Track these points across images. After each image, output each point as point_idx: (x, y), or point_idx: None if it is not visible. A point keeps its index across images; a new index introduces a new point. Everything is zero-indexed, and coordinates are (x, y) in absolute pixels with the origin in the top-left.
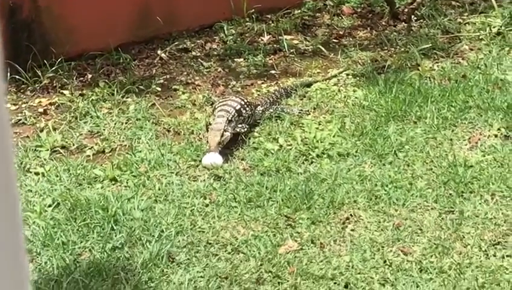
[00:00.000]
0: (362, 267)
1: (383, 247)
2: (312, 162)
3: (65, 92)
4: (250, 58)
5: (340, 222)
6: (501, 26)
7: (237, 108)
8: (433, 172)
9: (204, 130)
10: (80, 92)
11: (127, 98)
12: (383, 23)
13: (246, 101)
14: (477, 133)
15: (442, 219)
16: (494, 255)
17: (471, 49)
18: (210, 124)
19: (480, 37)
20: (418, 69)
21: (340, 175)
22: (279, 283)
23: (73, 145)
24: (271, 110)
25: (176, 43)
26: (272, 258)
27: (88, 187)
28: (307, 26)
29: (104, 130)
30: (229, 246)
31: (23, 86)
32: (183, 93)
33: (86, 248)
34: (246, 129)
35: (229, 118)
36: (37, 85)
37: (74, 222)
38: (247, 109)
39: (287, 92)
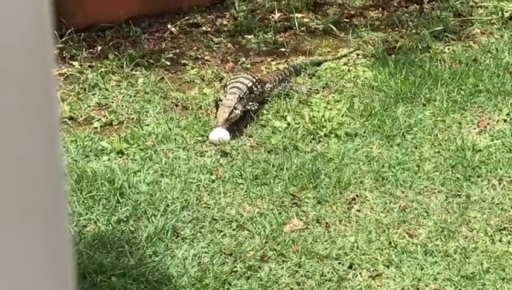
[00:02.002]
0: (367, 248)
1: (388, 228)
2: (319, 141)
3: (74, 63)
4: (261, 35)
5: (346, 202)
6: None
7: (249, 85)
8: (441, 155)
9: (212, 105)
10: (89, 63)
11: (136, 71)
12: (395, 4)
13: (256, 78)
14: (486, 117)
15: (448, 202)
16: (500, 241)
17: (483, 33)
18: (220, 100)
19: (492, 21)
20: (429, 52)
21: (347, 155)
22: (283, 261)
23: (81, 116)
24: (280, 88)
25: (187, 17)
26: (276, 236)
27: (95, 159)
28: (318, 5)
29: (112, 102)
30: (234, 222)
31: None
32: (192, 68)
33: (91, 220)
34: (256, 107)
35: (241, 96)
36: None
37: (80, 194)
38: (258, 86)
39: (296, 70)
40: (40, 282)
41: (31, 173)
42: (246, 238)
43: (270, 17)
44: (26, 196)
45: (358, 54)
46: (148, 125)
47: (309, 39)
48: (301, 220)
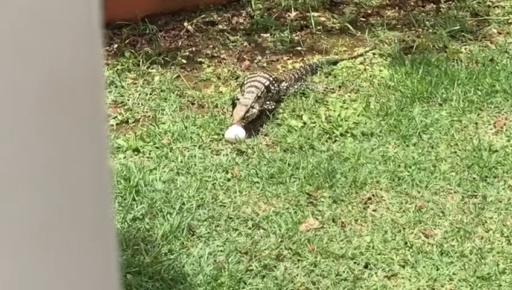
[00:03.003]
0: (383, 248)
1: (404, 228)
2: (335, 141)
3: None
4: (277, 33)
5: (362, 202)
6: None
7: (266, 84)
8: (457, 155)
9: (228, 104)
10: (106, 61)
11: (152, 69)
12: (412, 3)
13: (273, 77)
14: (503, 117)
15: (464, 202)
16: None
17: (500, 33)
18: (237, 98)
19: (509, 21)
20: (446, 51)
21: (363, 155)
22: (298, 260)
23: None
24: (296, 87)
25: (203, 15)
26: (292, 235)
27: (111, 157)
28: (334, 4)
29: (128, 100)
30: (250, 221)
31: None
32: (208, 66)
33: None
34: (273, 106)
35: (259, 94)
36: None
37: None
38: (275, 85)
39: (312, 69)
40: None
41: (81, 174)
42: (261, 237)
43: (287, 15)
44: (75, 198)
45: (374, 53)
46: (164, 123)
47: (325, 38)
48: (317, 219)
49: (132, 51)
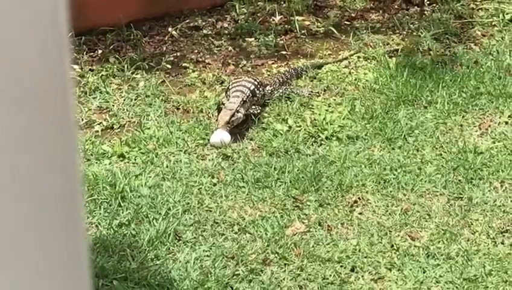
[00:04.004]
0: (369, 251)
1: (390, 231)
2: (321, 144)
3: (75, 66)
4: (261, 38)
5: (348, 205)
6: None
7: (251, 88)
8: (443, 158)
9: (213, 108)
10: (90, 67)
11: (137, 74)
12: (396, 6)
13: (258, 81)
14: (488, 119)
15: (450, 205)
16: (502, 243)
17: (484, 35)
18: (223, 103)
19: (493, 23)
20: (430, 54)
21: (349, 158)
22: (285, 264)
23: (82, 120)
24: (281, 91)
25: (187, 20)
26: (278, 239)
27: (96, 163)
28: (318, 8)
29: (113, 106)
30: (236, 226)
31: None
32: (193, 71)
33: (93, 224)
34: (258, 111)
35: (244, 99)
36: None
37: None
38: (260, 89)
39: (297, 73)
40: (57, 278)
41: (51, 177)
42: (247, 242)
43: (271, 20)
44: (45, 197)
45: (359, 57)
46: (149, 128)
47: (310, 42)
48: (303, 223)
49: (116, 56)
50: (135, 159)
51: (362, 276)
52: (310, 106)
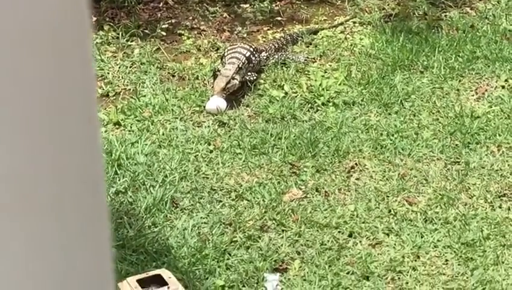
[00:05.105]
0: (367, 216)
1: (387, 197)
2: (317, 110)
3: None
4: (256, 4)
5: (345, 171)
6: None
7: (247, 55)
8: (440, 122)
9: (209, 75)
10: None
11: (132, 42)
12: None
13: (253, 47)
14: (485, 84)
15: (447, 169)
16: (500, 207)
17: None
18: (218, 70)
19: None
20: (426, 19)
21: (345, 124)
22: (283, 230)
23: None
24: (276, 57)
25: None
26: (276, 205)
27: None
28: None
29: (108, 73)
30: (233, 192)
31: None
32: (188, 38)
33: None
34: (255, 78)
35: (240, 66)
36: None
37: None
38: (256, 56)
39: (293, 39)
40: (77, 254)
41: (72, 148)
42: (245, 208)
43: None
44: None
45: (354, 22)
46: (144, 96)
47: (305, 8)
48: (300, 189)
49: (111, 24)
50: (131, 127)
51: (360, 241)
52: (306, 72)
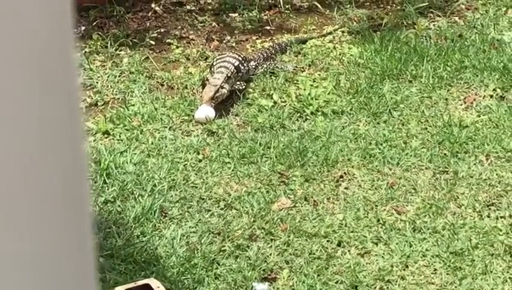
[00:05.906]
0: (355, 225)
1: (376, 206)
2: (306, 119)
3: None
4: (245, 13)
5: (334, 180)
6: None
7: (236, 64)
8: (428, 132)
9: (198, 84)
10: None
11: (121, 51)
12: None
13: (242, 56)
14: (473, 93)
15: (436, 178)
16: (488, 216)
17: (468, 9)
18: (207, 79)
19: None
20: (414, 28)
21: (334, 133)
22: (271, 239)
23: None
24: (265, 66)
25: None
26: (264, 214)
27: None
28: None
29: (97, 82)
30: (222, 201)
31: None
32: (177, 47)
33: None
34: (243, 87)
35: (228, 75)
36: None
37: None
38: (245, 65)
39: (281, 48)
40: (62, 265)
41: (55, 158)
42: (233, 218)
43: None
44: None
45: (343, 31)
46: (133, 105)
47: (294, 17)
48: (289, 198)
49: (100, 33)
50: (120, 136)
51: (349, 250)
52: (295, 81)
